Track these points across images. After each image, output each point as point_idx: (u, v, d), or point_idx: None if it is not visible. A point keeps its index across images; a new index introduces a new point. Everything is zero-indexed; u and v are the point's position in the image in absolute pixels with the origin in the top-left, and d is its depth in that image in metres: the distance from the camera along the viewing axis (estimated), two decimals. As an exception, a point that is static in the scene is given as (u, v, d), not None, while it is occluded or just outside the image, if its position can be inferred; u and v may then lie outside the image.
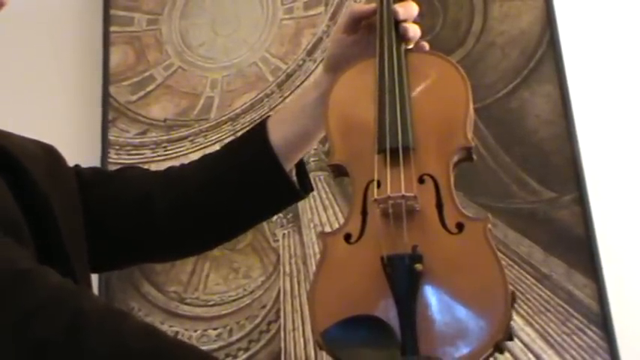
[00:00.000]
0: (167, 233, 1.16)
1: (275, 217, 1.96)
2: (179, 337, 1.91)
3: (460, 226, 0.93)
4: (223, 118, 2.12)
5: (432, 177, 0.96)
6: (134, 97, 2.17)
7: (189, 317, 1.99)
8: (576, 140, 1.91)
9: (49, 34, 2.26)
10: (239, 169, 1.15)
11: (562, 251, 1.86)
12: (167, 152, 2.12)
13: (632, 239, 1.86)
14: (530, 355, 1.79)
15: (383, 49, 1.05)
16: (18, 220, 0.93)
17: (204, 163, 1.20)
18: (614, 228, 1.86)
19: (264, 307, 1.95)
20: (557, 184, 1.90)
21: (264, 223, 1.94)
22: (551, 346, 1.80)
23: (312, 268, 1.91)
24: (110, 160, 2.10)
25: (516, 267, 1.84)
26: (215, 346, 1.94)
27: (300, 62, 2.13)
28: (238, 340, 1.94)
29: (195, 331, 1.97)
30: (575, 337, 1.79)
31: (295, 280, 1.95)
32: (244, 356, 1.92)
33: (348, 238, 0.97)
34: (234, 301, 1.97)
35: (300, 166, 1.18)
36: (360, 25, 1.12)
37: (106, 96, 2.17)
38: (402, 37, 1.07)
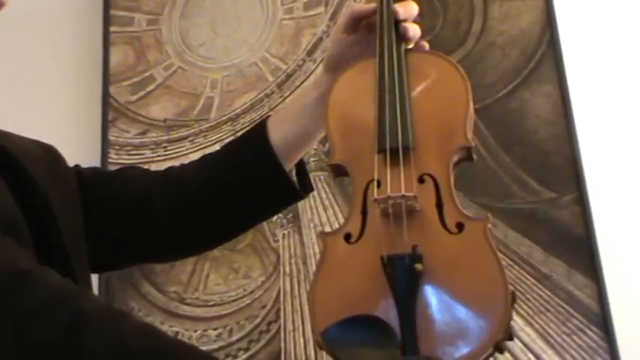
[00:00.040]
0: (167, 233, 1.16)
1: (275, 217, 1.96)
2: (179, 337, 1.91)
3: (460, 226, 0.93)
4: (223, 119, 2.12)
5: (432, 177, 0.96)
6: (134, 97, 2.17)
7: (190, 317, 1.99)
8: (576, 140, 1.91)
9: (49, 34, 2.26)
10: (239, 169, 1.15)
11: (562, 251, 1.86)
12: (167, 152, 2.12)
13: (632, 239, 1.86)
14: (531, 356, 1.79)
15: (383, 49, 1.05)
16: (18, 220, 0.93)
17: (204, 163, 1.19)
18: (614, 228, 1.86)
19: (264, 307, 1.95)
20: (557, 184, 1.90)
21: (264, 223, 1.94)
22: (551, 346, 1.80)
23: (312, 268, 1.91)
24: (110, 161, 2.10)
25: (516, 267, 1.84)
26: (215, 346, 1.94)
27: (300, 62, 2.13)
28: (238, 341, 1.94)
29: (196, 331, 1.97)
30: (575, 338, 1.79)
31: (295, 280, 1.95)
32: (244, 356, 1.92)
33: (348, 237, 0.97)
34: (234, 301, 1.97)
35: (300, 166, 1.18)
36: (360, 24, 1.12)
37: (106, 96, 2.17)
38: (402, 36, 1.07)
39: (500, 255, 0.91)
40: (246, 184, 1.15)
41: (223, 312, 1.97)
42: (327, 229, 1.91)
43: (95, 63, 2.20)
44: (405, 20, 1.08)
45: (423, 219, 0.94)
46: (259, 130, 1.16)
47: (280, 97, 2.11)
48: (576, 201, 1.88)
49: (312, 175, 1.55)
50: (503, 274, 0.89)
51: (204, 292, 1.99)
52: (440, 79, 1.04)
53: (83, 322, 0.78)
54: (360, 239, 0.96)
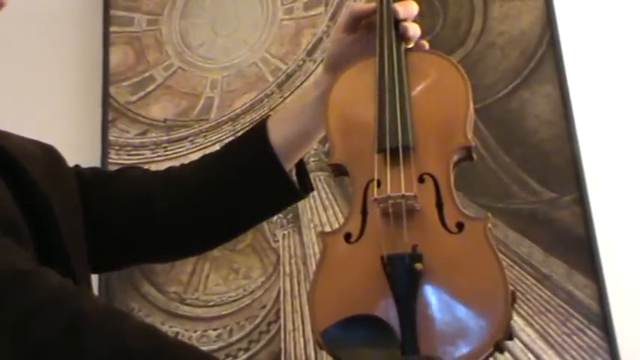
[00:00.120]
0: (167, 233, 1.16)
1: (275, 218, 1.96)
2: (179, 337, 1.91)
3: (460, 226, 0.93)
4: (223, 119, 2.12)
5: (432, 176, 0.96)
6: (134, 98, 2.17)
7: (190, 318, 1.98)
8: (576, 140, 1.91)
9: (49, 34, 2.26)
10: (239, 169, 1.15)
11: (562, 251, 1.86)
12: (167, 153, 2.12)
13: (632, 239, 1.86)
14: (531, 356, 1.79)
15: (383, 48, 1.05)
16: (17, 220, 0.93)
17: (204, 163, 1.19)
18: (614, 228, 1.86)
19: (264, 307, 1.95)
20: (558, 184, 1.90)
21: (264, 224, 1.95)
22: (552, 347, 1.80)
23: (312, 268, 1.91)
24: (110, 161, 2.10)
25: (516, 267, 1.84)
26: (215, 346, 1.94)
27: (300, 62, 2.13)
28: (238, 341, 1.94)
29: (196, 331, 1.97)
30: (575, 338, 1.79)
31: (295, 280, 1.95)
32: (244, 356, 1.92)
33: (348, 237, 0.97)
34: (234, 301, 1.97)
35: (300, 166, 1.18)
36: (360, 24, 1.12)
37: (106, 96, 2.17)
38: (402, 36, 1.07)
39: (500, 255, 0.91)
40: (246, 184, 1.15)
41: (223, 312, 1.97)
42: (327, 229, 1.91)
43: (95, 63, 2.20)
44: (404, 20, 1.08)
45: (423, 218, 0.94)
46: (259, 130, 1.16)
47: (280, 98, 2.11)
48: (576, 201, 1.88)
49: (312, 175, 1.54)
50: (503, 274, 0.89)
51: (204, 292, 1.99)
52: (440, 79, 1.04)
53: (83, 322, 0.78)
54: (360, 239, 0.96)
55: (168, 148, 2.12)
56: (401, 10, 1.08)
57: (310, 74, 2.10)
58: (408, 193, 0.94)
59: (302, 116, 1.15)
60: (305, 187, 1.18)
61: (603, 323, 1.78)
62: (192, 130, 2.13)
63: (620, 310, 1.78)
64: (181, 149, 2.11)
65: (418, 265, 0.89)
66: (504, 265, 0.91)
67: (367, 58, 1.08)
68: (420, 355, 0.86)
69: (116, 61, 2.20)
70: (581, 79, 1.97)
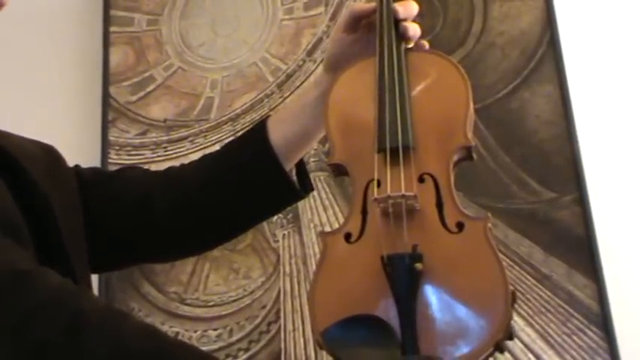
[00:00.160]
0: (167, 233, 1.16)
1: (275, 218, 1.96)
2: (179, 337, 1.91)
3: (460, 226, 0.93)
4: (223, 119, 2.12)
5: (432, 176, 0.96)
6: (134, 98, 2.17)
7: (190, 318, 1.98)
8: (576, 140, 1.91)
9: (49, 34, 2.26)
10: (239, 169, 1.15)
11: (562, 251, 1.85)
12: (167, 153, 2.12)
13: (632, 239, 1.86)
14: (531, 356, 1.79)
15: (383, 48, 1.05)
16: (17, 220, 0.93)
17: (204, 163, 1.19)
18: (614, 228, 1.86)
19: (264, 307, 1.95)
20: (558, 184, 1.90)
21: (264, 224, 1.95)
22: (552, 347, 1.80)
23: (312, 268, 1.91)
24: (110, 161, 2.10)
25: (517, 267, 1.84)
26: (215, 346, 1.94)
27: (300, 62, 2.13)
28: (238, 341, 1.94)
29: (196, 331, 1.97)
30: (575, 338, 1.79)
31: (295, 280, 1.95)
32: (244, 357, 1.92)
33: (348, 237, 0.97)
34: (234, 301, 1.97)
35: (300, 166, 1.18)
36: (360, 24, 1.12)
37: (106, 96, 2.17)
38: (402, 36, 1.07)
39: (500, 255, 0.91)
40: (246, 184, 1.15)
41: (223, 312, 1.97)
42: (327, 229, 1.91)
43: (95, 63, 2.20)
44: (404, 19, 1.08)
45: (423, 218, 0.94)
46: (259, 130, 1.16)
47: (280, 98, 2.11)
48: (576, 201, 1.88)
49: (312, 175, 1.54)
50: (503, 274, 0.89)
51: (204, 292, 1.99)
52: (440, 79, 1.04)
53: (83, 322, 0.78)
54: (360, 239, 0.96)
55: (169, 148, 2.12)
56: (401, 9, 1.08)
57: (310, 74, 2.10)
58: (408, 193, 0.94)
59: (302, 116, 1.15)
60: (305, 187, 1.17)
61: (603, 323, 1.78)
62: (193, 130, 2.13)
63: (620, 310, 1.78)
64: (181, 149, 2.11)
65: (418, 265, 0.89)
66: (504, 265, 0.91)
67: (367, 57, 1.08)
68: (420, 355, 0.86)
69: (116, 61, 2.20)
70: (581, 79, 1.97)
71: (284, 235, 1.99)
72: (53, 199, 1.01)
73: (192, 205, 1.15)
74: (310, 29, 2.15)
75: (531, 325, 1.81)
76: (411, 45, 1.08)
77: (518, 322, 1.78)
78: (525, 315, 1.81)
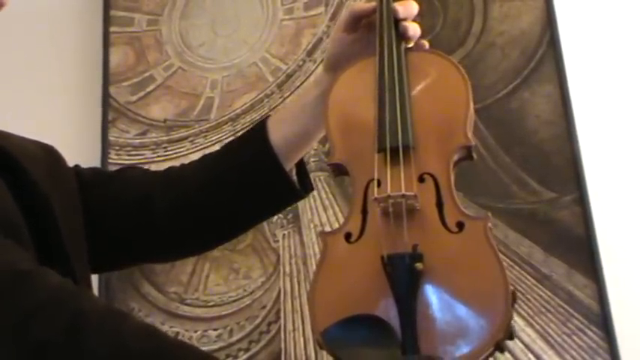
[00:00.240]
0: (167, 233, 1.16)
1: (275, 218, 1.96)
2: (179, 337, 1.91)
3: (460, 225, 0.93)
4: (223, 119, 2.12)
5: (432, 176, 0.96)
6: (134, 98, 2.17)
7: (190, 318, 1.98)
8: (576, 140, 1.91)
9: (49, 34, 2.26)
10: (239, 169, 1.15)
11: (562, 252, 1.85)
12: (167, 153, 2.12)
13: (632, 239, 1.86)
14: (531, 356, 1.79)
15: (383, 48, 1.05)
16: (18, 221, 0.93)
17: (204, 163, 1.19)
18: (614, 228, 1.86)
19: (264, 307, 1.95)
20: (558, 184, 1.90)
21: (264, 224, 1.95)
22: (552, 347, 1.80)
23: (312, 268, 1.91)
24: (110, 161, 2.10)
25: (517, 267, 1.84)
26: (215, 346, 1.94)
27: (300, 63, 2.13)
28: (238, 341, 1.94)
29: (196, 331, 1.97)
30: (575, 338, 1.79)
31: (295, 280, 1.95)
32: (244, 357, 1.92)
33: (348, 237, 0.97)
34: (234, 301, 1.97)
35: (300, 166, 1.18)
36: (360, 23, 1.12)
37: (106, 96, 2.17)
38: (402, 35, 1.07)
39: (500, 255, 0.91)
40: (246, 184, 1.15)
41: (223, 312, 1.97)
42: (327, 229, 1.91)
43: (95, 63, 2.20)
44: (404, 19, 1.08)
45: (423, 218, 0.94)
46: (259, 129, 1.16)
47: (280, 98, 2.11)
48: (576, 201, 1.88)
49: (312, 175, 1.54)
50: (503, 274, 0.89)
51: (204, 292, 1.99)
52: (440, 78, 1.04)
53: (83, 322, 0.78)
54: (360, 239, 0.96)
55: (169, 149, 2.12)
56: (401, 9, 1.08)
57: (310, 74, 2.10)
58: (408, 193, 0.94)
59: (302, 116, 1.15)
60: (305, 187, 1.17)
61: (603, 323, 1.78)
62: (193, 130, 2.13)
63: (620, 310, 1.78)
64: (181, 149, 2.11)
65: (418, 265, 0.89)
66: (505, 265, 0.91)
67: (367, 57, 1.08)
68: (421, 355, 0.86)
69: (116, 61, 2.20)
70: (581, 79, 1.97)
71: (284, 235, 1.99)
72: (53, 199, 1.02)
73: (192, 205, 1.15)
74: (310, 29, 2.15)
75: (531, 325, 1.81)
76: (411, 45, 1.08)
77: (518, 322, 1.78)
78: (525, 315, 1.81)
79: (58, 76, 2.23)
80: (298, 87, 2.10)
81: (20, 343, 0.77)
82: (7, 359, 0.78)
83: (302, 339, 1.90)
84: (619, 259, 1.83)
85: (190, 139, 2.12)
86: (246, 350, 1.93)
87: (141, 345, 0.79)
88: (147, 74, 2.20)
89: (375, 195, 0.95)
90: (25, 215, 0.94)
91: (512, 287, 0.89)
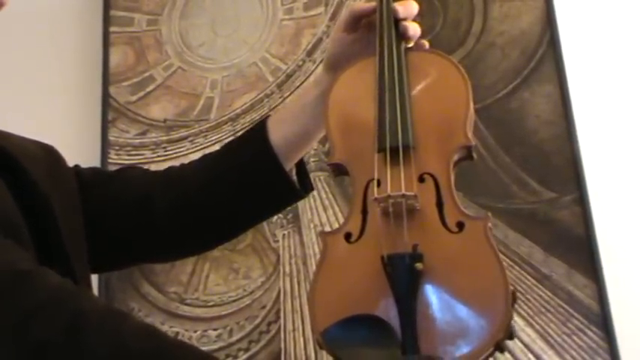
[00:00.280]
0: (167, 233, 1.16)
1: (275, 218, 1.96)
2: (179, 337, 1.91)
3: (460, 225, 0.93)
4: (223, 119, 2.12)
5: (432, 176, 0.96)
6: (134, 98, 2.17)
7: (190, 318, 1.98)
8: (576, 140, 1.91)
9: (49, 34, 2.26)
10: (239, 169, 1.15)
11: (562, 251, 1.85)
12: (167, 153, 2.12)
13: (632, 239, 1.86)
14: (531, 356, 1.79)
15: (383, 48, 1.05)
16: (18, 221, 0.93)
17: (204, 163, 1.19)
18: (614, 228, 1.86)
19: (264, 307, 1.95)
20: (558, 184, 1.90)
21: (264, 224, 1.94)
22: (552, 347, 1.80)
23: (312, 268, 1.90)
24: (110, 161, 2.10)
25: (517, 267, 1.84)
26: (215, 346, 1.94)
27: (300, 63, 2.13)
28: (238, 341, 1.94)
29: (196, 331, 1.97)
30: (575, 338, 1.79)
31: (295, 280, 1.95)
32: (244, 357, 1.92)
33: (348, 237, 0.97)
34: (234, 301, 1.97)
35: (300, 166, 1.18)
36: (360, 23, 1.12)
37: (105, 96, 2.17)
38: (402, 35, 1.07)
39: (500, 255, 0.91)
40: (246, 184, 1.15)
41: (223, 312, 1.97)
42: (327, 229, 1.91)
43: (95, 63, 2.20)
44: (404, 19, 1.08)
45: (423, 218, 0.94)
46: (259, 129, 1.16)
47: (280, 98, 2.11)
48: (576, 201, 1.88)
49: (312, 175, 1.54)
50: (503, 273, 0.89)
51: (204, 292, 1.99)
52: (440, 78, 1.04)
53: (83, 322, 0.78)
54: (360, 239, 0.96)
55: (168, 148, 2.12)
56: (401, 9, 1.08)
57: (310, 74, 2.10)
58: (408, 193, 0.94)
59: (302, 116, 1.15)
60: (305, 187, 1.17)
61: (603, 323, 1.78)
62: (192, 130, 2.13)
63: (620, 310, 1.78)
64: (181, 149, 2.11)
65: (418, 265, 0.89)
66: (505, 264, 0.91)
67: (367, 57, 1.08)
68: (421, 355, 0.86)
69: (116, 61, 2.20)
70: (581, 79, 1.97)
71: (284, 235, 1.99)
72: (53, 199, 1.02)
73: (192, 205, 1.15)
74: (310, 29, 2.15)
75: (531, 325, 1.80)
76: (411, 44, 1.08)
77: (518, 322, 1.78)
78: (525, 315, 1.81)
79: (57, 76, 2.23)
80: (298, 87, 2.10)
81: (20, 343, 0.77)
82: (6, 359, 0.78)
83: (302, 339, 1.90)
84: (619, 259, 1.83)
85: (190, 139, 2.12)
86: (246, 350, 1.93)
87: (141, 345, 0.79)
88: (147, 74, 2.20)
89: (375, 195, 0.95)
90: (25, 215, 0.94)
91: (512, 287, 0.89)
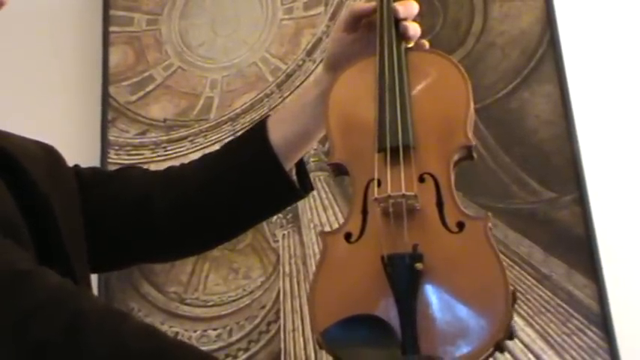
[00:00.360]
0: (167, 233, 1.16)
1: (275, 218, 1.96)
2: (179, 337, 1.91)
3: (461, 225, 0.93)
4: (223, 119, 2.12)
5: (432, 176, 0.96)
6: (134, 97, 2.17)
7: (189, 318, 1.98)
8: (576, 140, 1.91)
9: (49, 34, 2.26)
10: (239, 169, 1.15)
11: (562, 251, 1.85)
12: (167, 152, 2.12)
13: (632, 239, 1.86)
14: (531, 356, 1.79)
15: (383, 48, 1.05)
16: (17, 221, 0.93)
17: (204, 162, 1.19)
18: (614, 228, 1.86)
19: (263, 307, 1.95)
20: (557, 184, 1.90)
21: (264, 224, 1.94)
22: (552, 347, 1.80)
23: (312, 268, 1.90)
24: (110, 161, 2.10)
25: (516, 267, 1.84)
26: (215, 346, 1.94)
27: (300, 62, 2.13)
28: (238, 341, 1.94)
29: (195, 331, 1.97)
30: (575, 338, 1.79)
31: (295, 280, 1.95)
32: (244, 356, 1.92)
33: (348, 237, 0.97)
34: (233, 301, 1.97)
35: (300, 166, 1.18)
36: (360, 23, 1.12)
37: (105, 96, 2.17)
38: (402, 35, 1.07)
39: (500, 255, 0.91)
40: (246, 184, 1.15)
41: (223, 312, 1.97)
42: (327, 229, 1.91)
43: (95, 63, 2.20)
44: (405, 19, 1.08)
45: (423, 218, 0.94)
46: (259, 129, 1.16)
47: (280, 97, 2.11)
48: (576, 201, 1.87)
49: (311, 175, 1.54)
50: (503, 273, 0.89)
51: (203, 292, 1.99)
52: (440, 78, 1.04)
53: (82, 322, 0.78)
54: (360, 239, 0.96)
55: (168, 148, 2.12)
56: (401, 9, 1.08)
57: (310, 74, 2.10)
58: (408, 193, 0.94)
59: (302, 116, 1.15)
60: (305, 187, 1.17)
61: (603, 323, 1.78)
62: (192, 130, 2.13)
63: (620, 310, 1.78)
64: (181, 149, 2.11)
65: (419, 265, 0.89)
66: (505, 264, 0.91)
67: (367, 57, 1.07)
68: (421, 355, 0.86)
69: (116, 60, 2.20)
70: (581, 79, 1.97)
71: (284, 235, 1.99)
72: (53, 199, 1.02)
73: (192, 205, 1.15)
74: (310, 29, 2.15)
75: (531, 325, 1.80)
76: (411, 44, 1.08)
77: (518, 322, 1.78)
78: (525, 315, 1.81)
79: (57, 75, 2.23)
80: (298, 87, 2.10)
81: (20, 342, 0.77)
82: (6, 359, 0.78)
83: (302, 339, 1.90)
84: (619, 259, 1.83)
85: (190, 138, 2.12)
86: (246, 350, 1.93)
87: (140, 345, 0.79)
88: (146, 74, 2.20)
89: (376, 195, 0.95)
90: (25, 215, 0.94)
91: (512, 287, 0.89)
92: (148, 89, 2.18)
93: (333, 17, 2.14)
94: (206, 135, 2.11)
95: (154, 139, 2.13)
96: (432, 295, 0.89)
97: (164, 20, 2.24)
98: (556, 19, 2.01)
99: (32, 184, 1.01)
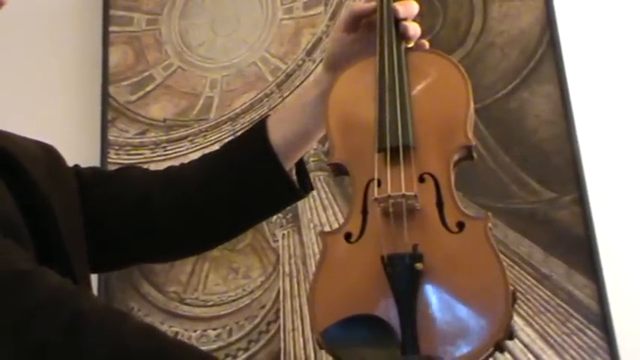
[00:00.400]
0: (167, 233, 1.16)
1: (275, 218, 1.96)
2: (179, 337, 1.91)
3: (461, 225, 0.93)
4: (223, 118, 2.12)
5: (432, 176, 0.96)
6: (133, 97, 2.17)
7: (189, 317, 1.98)
8: (576, 140, 1.91)
9: (49, 34, 2.26)
10: (239, 169, 1.15)
11: (562, 251, 1.85)
12: (166, 152, 2.12)
13: (632, 239, 1.86)
14: (530, 356, 1.79)
15: (383, 48, 1.05)
16: (17, 221, 0.93)
17: (204, 162, 1.19)
18: (614, 228, 1.86)
19: (263, 307, 1.95)
20: (557, 184, 1.90)
21: (264, 224, 1.94)
22: (551, 347, 1.80)
23: (312, 268, 1.90)
24: (110, 160, 2.10)
25: (516, 267, 1.84)
26: (214, 346, 1.94)
27: (300, 62, 2.13)
28: (238, 341, 1.94)
29: (195, 331, 1.97)
30: (575, 338, 1.79)
31: (295, 280, 1.95)
32: (244, 356, 1.92)
33: (348, 237, 0.97)
34: (233, 301, 1.97)
35: (300, 166, 1.18)
36: (360, 23, 1.12)
37: (105, 96, 2.17)
38: (402, 35, 1.07)
39: (500, 255, 0.91)
40: (245, 184, 1.15)
41: (223, 312, 1.97)
42: (327, 229, 1.91)
43: (95, 63, 2.20)
44: (405, 19, 1.08)
45: (423, 218, 0.94)
46: (259, 129, 1.16)
47: (280, 97, 2.11)
48: (576, 201, 1.88)
49: (311, 175, 1.54)
50: (503, 273, 0.89)
51: (203, 292, 1.99)
52: (440, 78, 1.04)
53: (82, 322, 0.78)
54: (360, 239, 0.96)
55: (168, 148, 2.12)
56: (401, 9, 1.08)
57: (310, 74, 2.10)
58: (408, 193, 0.94)
59: (302, 116, 1.15)
60: (305, 187, 1.17)
61: (603, 323, 1.78)
62: (192, 130, 2.13)
63: (620, 310, 1.78)
64: (181, 149, 2.11)
65: (419, 265, 0.89)
66: (505, 264, 0.91)
67: (367, 57, 1.07)
68: (421, 355, 0.86)
69: (116, 60, 2.20)
70: (581, 79, 1.97)
71: (284, 234, 1.99)
72: (53, 199, 1.01)
73: (191, 205, 1.15)
74: (310, 29, 2.15)
75: (531, 325, 1.80)
76: (411, 44, 1.08)
77: (518, 322, 1.78)
78: (525, 315, 1.81)
79: (57, 75, 2.23)
80: (298, 86, 2.10)
81: (20, 342, 0.77)
82: (6, 359, 0.78)
83: (301, 339, 1.90)
84: (619, 259, 1.83)
85: (190, 138, 2.12)
86: (246, 350, 1.93)
87: (140, 345, 0.79)
88: (146, 74, 2.20)
89: (376, 195, 0.95)
90: (25, 215, 0.94)
91: (512, 287, 0.89)
92: (147, 89, 2.18)
93: (333, 17, 2.14)
94: (206, 135, 2.11)
95: (153, 139, 2.13)
96: (432, 295, 0.89)
97: (164, 20, 2.24)
98: (556, 19, 2.01)
99: (32, 184, 1.00)
